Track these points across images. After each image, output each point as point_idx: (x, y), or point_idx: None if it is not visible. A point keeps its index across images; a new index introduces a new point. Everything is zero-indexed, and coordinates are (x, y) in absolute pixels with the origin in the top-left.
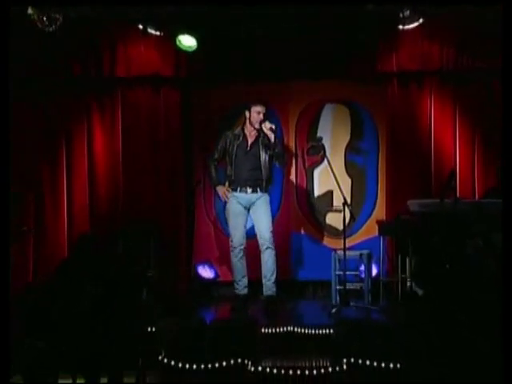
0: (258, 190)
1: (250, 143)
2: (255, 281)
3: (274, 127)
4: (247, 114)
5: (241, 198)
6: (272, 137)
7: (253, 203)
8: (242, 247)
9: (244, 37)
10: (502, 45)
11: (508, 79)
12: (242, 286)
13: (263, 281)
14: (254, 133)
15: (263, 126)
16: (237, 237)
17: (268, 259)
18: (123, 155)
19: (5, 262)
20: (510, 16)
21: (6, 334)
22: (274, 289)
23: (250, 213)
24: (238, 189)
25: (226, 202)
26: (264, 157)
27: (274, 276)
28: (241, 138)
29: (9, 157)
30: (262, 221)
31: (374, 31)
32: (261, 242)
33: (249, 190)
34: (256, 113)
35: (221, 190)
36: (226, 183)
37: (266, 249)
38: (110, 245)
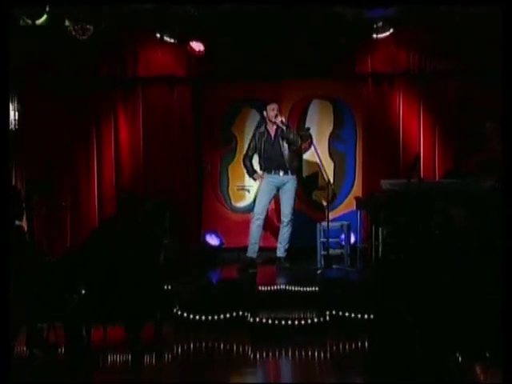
0: (289, 172)
1: (272, 136)
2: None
3: (284, 120)
4: (265, 112)
5: (275, 179)
6: (284, 128)
7: (284, 184)
8: (262, 217)
9: (244, 43)
10: (502, 45)
11: (508, 79)
12: (252, 250)
13: (278, 246)
14: (274, 127)
15: (276, 120)
16: (259, 208)
17: (286, 232)
18: (143, 142)
19: (5, 262)
20: (510, 16)
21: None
22: (284, 253)
23: (279, 192)
24: (272, 171)
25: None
26: (285, 146)
27: (287, 245)
28: (266, 135)
29: (8, 156)
30: (288, 202)
31: (352, 39)
32: (283, 218)
33: (281, 173)
34: (271, 110)
35: (258, 176)
36: (261, 171)
37: (286, 224)
38: (133, 218)
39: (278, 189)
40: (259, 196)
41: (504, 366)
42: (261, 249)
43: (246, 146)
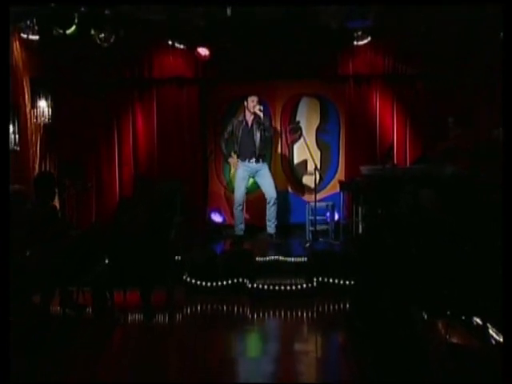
0: (261, 160)
1: (249, 125)
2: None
3: (261, 108)
4: (245, 103)
5: (247, 167)
6: (261, 115)
7: (257, 171)
8: (241, 202)
9: (243, 49)
10: (502, 45)
11: (508, 79)
12: (239, 229)
13: (268, 223)
14: (251, 118)
15: (255, 108)
16: (238, 195)
17: (273, 211)
18: (157, 134)
19: (5, 258)
20: (510, 16)
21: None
22: (274, 229)
23: (256, 179)
24: (246, 160)
25: (235, 169)
26: (259, 135)
27: (275, 222)
28: (244, 123)
29: (8, 155)
30: (268, 184)
31: (337, 45)
32: (268, 199)
33: (253, 160)
34: (251, 101)
35: (232, 160)
36: (235, 156)
37: (273, 204)
38: (148, 199)
39: (253, 176)
40: (237, 183)
41: (504, 365)
42: (255, 226)
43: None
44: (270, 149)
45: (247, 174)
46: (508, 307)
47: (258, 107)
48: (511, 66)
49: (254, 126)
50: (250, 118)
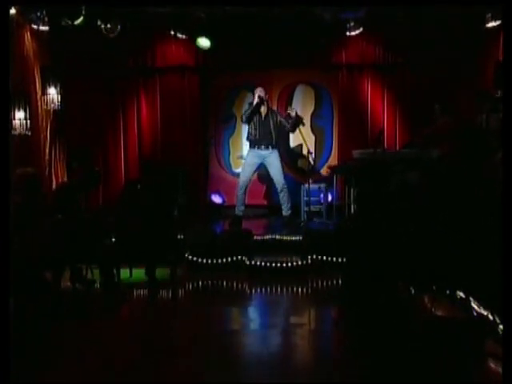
0: (270, 147)
1: (264, 115)
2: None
3: (261, 95)
4: (253, 94)
5: (257, 153)
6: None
7: (266, 158)
8: (245, 186)
9: (242, 39)
10: (502, 44)
11: (508, 79)
12: (239, 210)
13: (282, 207)
14: (265, 108)
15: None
16: (243, 180)
17: (283, 196)
18: (160, 120)
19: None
20: (510, 16)
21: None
22: (290, 212)
23: (265, 165)
24: (257, 147)
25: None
26: (272, 124)
27: (289, 205)
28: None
29: (8, 155)
30: (277, 172)
31: (330, 35)
32: (277, 185)
33: (264, 148)
34: (260, 91)
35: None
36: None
37: (281, 190)
38: (153, 181)
39: (262, 162)
40: (244, 168)
41: (504, 365)
42: (253, 206)
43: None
44: (283, 139)
45: (256, 161)
46: (508, 305)
47: (256, 94)
48: (511, 66)
49: (269, 117)
50: (264, 108)
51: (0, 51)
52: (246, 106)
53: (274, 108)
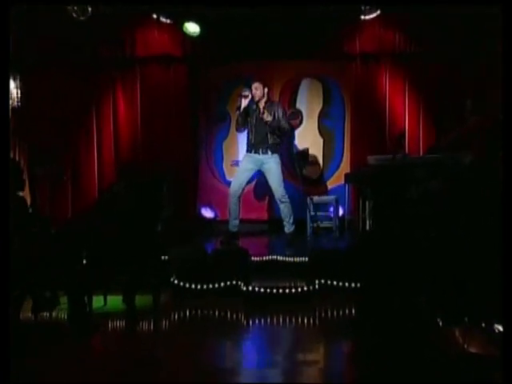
0: (269, 151)
1: (260, 113)
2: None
3: (246, 94)
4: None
5: (253, 157)
6: (269, 118)
7: (264, 163)
8: (237, 195)
9: (237, 25)
10: (502, 44)
11: (508, 79)
12: (232, 225)
13: (284, 223)
14: (261, 106)
15: (259, 104)
16: (235, 187)
17: (284, 209)
18: (141, 119)
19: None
20: (510, 16)
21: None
22: (292, 227)
23: (263, 172)
24: (253, 150)
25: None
26: (268, 126)
27: (291, 220)
28: (256, 110)
29: (8, 154)
30: (275, 181)
31: (341, 20)
32: (276, 196)
33: (260, 152)
34: (254, 89)
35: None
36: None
37: (281, 202)
38: (132, 190)
39: (259, 169)
40: (237, 175)
41: (504, 365)
42: (248, 221)
43: None
44: (287, 140)
45: (252, 166)
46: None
47: (266, 115)
48: (511, 66)
49: (268, 113)
50: (260, 106)
51: (0, 51)
52: (236, 113)
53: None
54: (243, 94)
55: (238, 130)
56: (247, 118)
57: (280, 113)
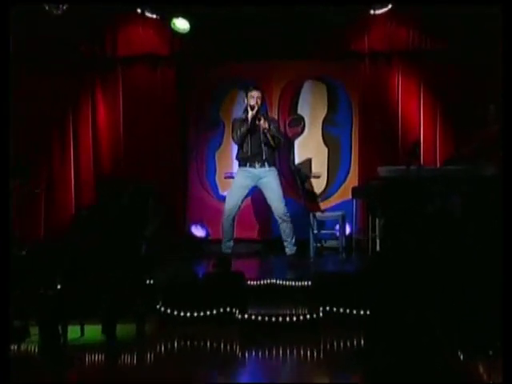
0: (266, 165)
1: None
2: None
3: (255, 105)
4: (245, 99)
5: (249, 172)
6: (266, 130)
7: (261, 178)
8: (233, 214)
9: (232, 20)
10: (502, 44)
11: (508, 78)
12: (226, 247)
13: (284, 243)
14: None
15: (259, 121)
16: (230, 205)
17: (285, 229)
18: (124, 126)
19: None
20: (510, 16)
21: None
22: (294, 248)
23: (260, 188)
24: (248, 164)
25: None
26: (263, 136)
27: (293, 240)
28: (246, 121)
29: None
30: (274, 197)
31: (348, 15)
32: (275, 214)
33: (257, 165)
34: (251, 98)
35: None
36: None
37: (282, 221)
38: (112, 206)
39: (256, 184)
40: (231, 191)
41: (504, 365)
42: (243, 241)
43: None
44: (287, 152)
45: (249, 182)
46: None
47: (265, 125)
48: (511, 66)
49: (258, 127)
50: (252, 115)
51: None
52: (236, 124)
53: (273, 111)
54: (251, 103)
55: (237, 142)
56: (247, 134)
57: (273, 124)
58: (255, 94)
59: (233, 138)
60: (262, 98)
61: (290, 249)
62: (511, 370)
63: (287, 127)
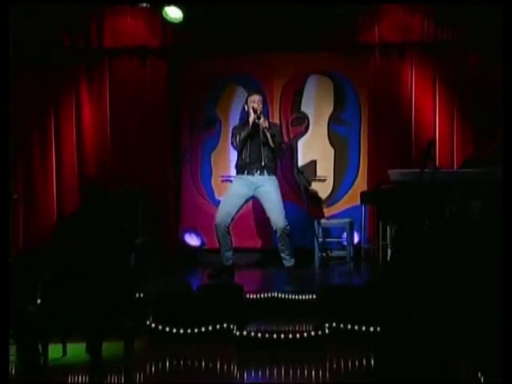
0: (266, 172)
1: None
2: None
3: (267, 125)
4: (246, 106)
5: (246, 180)
6: (268, 135)
7: (259, 187)
8: (226, 225)
9: (230, 9)
10: (502, 44)
11: (508, 78)
12: (226, 258)
13: (282, 255)
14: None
15: (259, 122)
16: (223, 214)
17: (284, 243)
18: (111, 125)
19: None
20: (510, 16)
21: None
22: (293, 260)
23: (258, 198)
24: (246, 172)
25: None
26: (263, 136)
27: (292, 252)
28: (245, 128)
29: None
30: (272, 207)
31: (357, 3)
32: (273, 227)
33: (256, 173)
34: (252, 102)
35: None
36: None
37: (280, 235)
38: (98, 212)
39: (253, 194)
40: (225, 199)
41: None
42: (243, 250)
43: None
44: (288, 154)
45: (245, 191)
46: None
47: (264, 124)
48: (511, 66)
49: (259, 133)
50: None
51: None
52: (236, 130)
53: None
54: (254, 106)
55: (237, 147)
56: (248, 139)
57: (277, 133)
58: (256, 98)
59: (232, 143)
60: (264, 101)
61: (288, 261)
62: (511, 369)
63: (289, 126)
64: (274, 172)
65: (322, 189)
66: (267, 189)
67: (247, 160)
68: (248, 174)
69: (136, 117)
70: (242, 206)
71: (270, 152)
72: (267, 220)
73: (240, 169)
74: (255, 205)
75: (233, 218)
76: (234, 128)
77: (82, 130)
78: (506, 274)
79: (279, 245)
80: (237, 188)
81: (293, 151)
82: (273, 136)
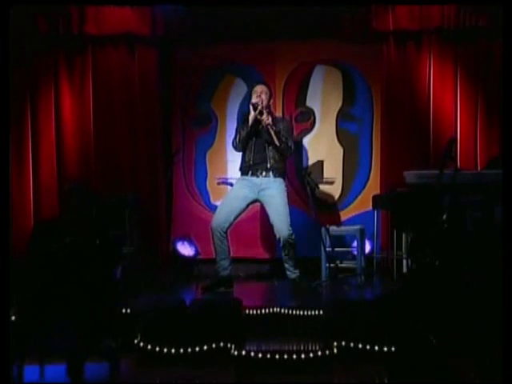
0: (271, 174)
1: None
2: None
3: (257, 102)
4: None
5: (249, 181)
6: (272, 132)
7: (263, 190)
8: (223, 231)
9: None
10: (502, 44)
11: (508, 79)
12: (222, 268)
13: (286, 266)
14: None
15: (263, 118)
16: (220, 218)
17: (288, 252)
18: (94, 120)
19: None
20: (510, 16)
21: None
22: (297, 271)
23: (262, 202)
24: (250, 172)
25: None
26: (266, 134)
27: (295, 262)
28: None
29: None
30: (276, 213)
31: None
32: (277, 235)
33: (260, 174)
34: (254, 94)
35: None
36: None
37: (285, 244)
38: (81, 218)
39: (257, 198)
40: (224, 201)
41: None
42: (242, 260)
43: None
44: (295, 154)
45: (246, 193)
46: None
47: (268, 121)
48: (511, 66)
49: (264, 131)
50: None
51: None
52: (239, 129)
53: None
54: (253, 102)
55: (237, 148)
56: (249, 139)
57: (285, 129)
58: (258, 89)
59: (233, 144)
60: (270, 93)
61: (292, 272)
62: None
63: (294, 122)
64: (281, 174)
65: (330, 192)
66: (272, 192)
67: (251, 162)
68: (252, 175)
69: (122, 111)
70: (242, 210)
71: (277, 152)
72: (270, 227)
73: (244, 171)
74: (258, 210)
75: (231, 223)
76: (238, 126)
77: (62, 126)
78: None
79: (283, 255)
80: (238, 189)
81: (297, 150)
82: (278, 133)
